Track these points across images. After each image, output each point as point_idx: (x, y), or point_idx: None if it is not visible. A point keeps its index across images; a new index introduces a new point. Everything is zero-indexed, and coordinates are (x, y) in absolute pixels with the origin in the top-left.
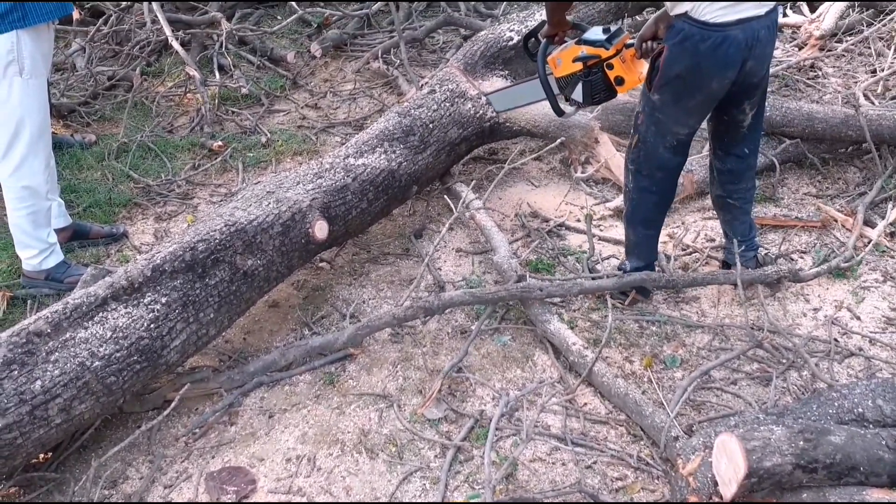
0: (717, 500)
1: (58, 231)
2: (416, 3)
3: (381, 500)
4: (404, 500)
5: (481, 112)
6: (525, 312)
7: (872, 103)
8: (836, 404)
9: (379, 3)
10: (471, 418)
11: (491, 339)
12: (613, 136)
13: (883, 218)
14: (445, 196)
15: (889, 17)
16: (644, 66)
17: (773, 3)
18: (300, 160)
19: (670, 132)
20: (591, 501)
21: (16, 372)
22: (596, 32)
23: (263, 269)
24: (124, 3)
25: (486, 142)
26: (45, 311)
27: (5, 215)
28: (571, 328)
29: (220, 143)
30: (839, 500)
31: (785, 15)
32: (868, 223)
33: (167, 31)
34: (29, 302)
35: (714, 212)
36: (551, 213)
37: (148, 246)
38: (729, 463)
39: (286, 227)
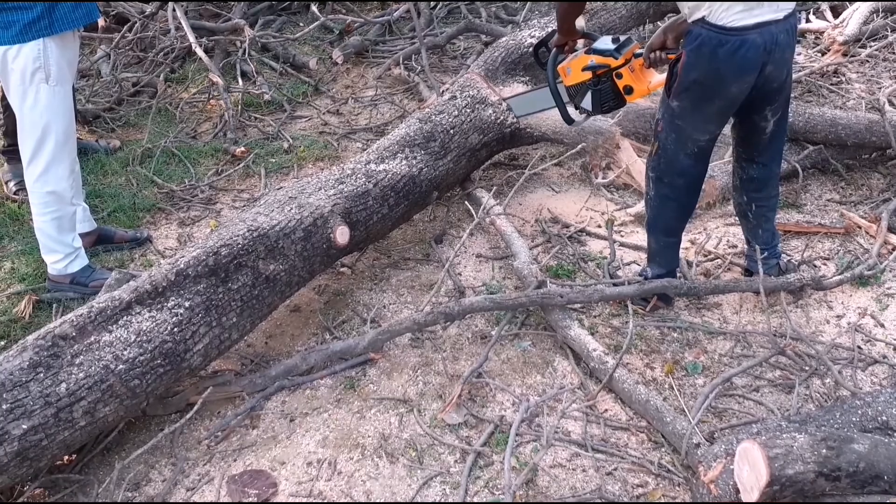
0: None
1: (83, 235)
2: (436, 10)
3: (400, 502)
4: (424, 502)
5: (502, 118)
6: (545, 318)
7: None
8: (859, 412)
9: (400, 10)
10: (491, 424)
11: (511, 344)
12: (634, 142)
13: None
14: (466, 202)
15: None
16: (653, 76)
17: (792, 7)
18: (322, 166)
19: (690, 139)
20: None
21: (41, 374)
22: (605, 42)
23: (285, 274)
24: (149, 10)
25: (506, 147)
26: (71, 315)
27: (31, 220)
28: (592, 334)
29: (242, 148)
30: None
31: (808, 20)
32: (892, 230)
33: (191, 37)
34: (54, 306)
35: (736, 218)
36: (572, 218)
37: (171, 251)
38: (751, 470)
39: (308, 232)
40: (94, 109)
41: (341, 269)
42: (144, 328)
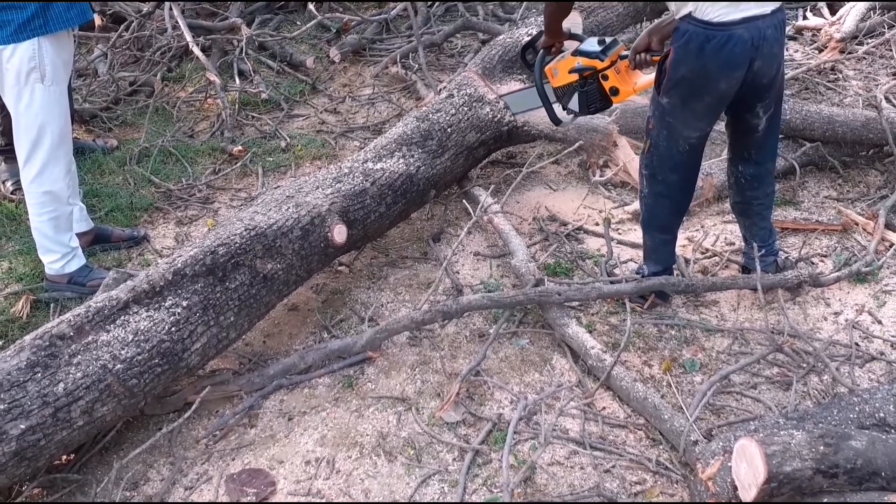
0: None
1: (80, 235)
2: (434, 8)
3: (399, 501)
4: (423, 502)
5: (499, 116)
6: (543, 316)
7: (894, 106)
8: (857, 409)
9: (397, 8)
10: (489, 422)
11: (509, 342)
12: (631, 140)
13: None
14: (464, 200)
15: None
16: (639, 77)
17: (778, 2)
18: (319, 164)
19: (681, 136)
20: None
21: (39, 374)
22: (591, 44)
23: (283, 273)
24: (146, 9)
25: (504, 145)
26: (68, 315)
27: (28, 219)
28: (590, 331)
29: (240, 147)
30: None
31: (805, 17)
32: (889, 227)
33: (188, 36)
34: (52, 305)
35: (733, 215)
36: (569, 216)
37: (169, 250)
38: (749, 467)
39: (305, 231)
40: (92, 109)
41: (339, 268)
42: (142, 328)
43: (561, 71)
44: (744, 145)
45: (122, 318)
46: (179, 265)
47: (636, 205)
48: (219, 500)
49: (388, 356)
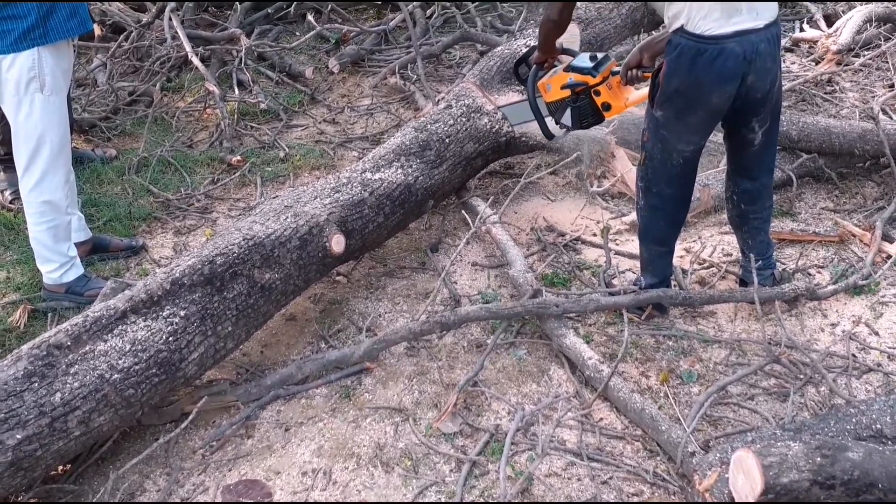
0: None
1: (78, 245)
2: (432, 19)
3: (396, 502)
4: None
5: (497, 127)
6: (541, 326)
7: (890, 118)
8: (854, 420)
9: (396, 20)
10: (486, 433)
11: (507, 353)
12: (629, 151)
13: None
14: (462, 210)
15: None
16: (630, 93)
17: (773, 16)
18: (318, 174)
19: (675, 149)
20: None
21: (36, 384)
22: (583, 59)
23: (281, 283)
24: (145, 19)
25: (502, 156)
26: (66, 324)
27: (26, 229)
28: (587, 342)
29: (238, 157)
30: None
31: (802, 30)
32: (886, 238)
33: (187, 47)
34: (49, 315)
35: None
36: (567, 227)
37: (167, 260)
38: (746, 479)
39: (304, 240)
40: (91, 118)
41: (337, 278)
42: (139, 337)
43: (553, 86)
44: (741, 160)
45: (120, 327)
46: (177, 275)
47: (633, 216)
48: (217, 501)
49: (385, 367)
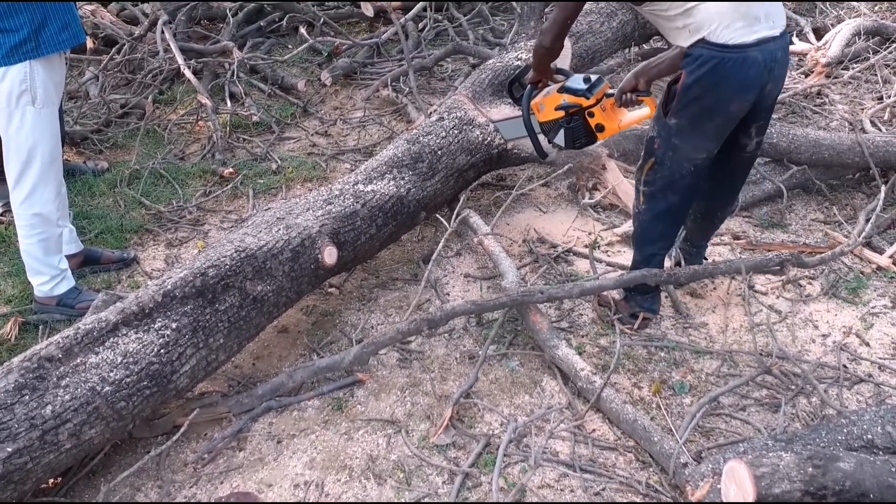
0: None
1: (69, 257)
2: (424, 32)
3: (395, 502)
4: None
5: (489, 139)
6: (533, 338)
7: (879, 130)
8: (845, 431)
9: (388, 32)
10: (479, 444)
11: (499, 364)
12: (620, 163)
13: (891, 244)
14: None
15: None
16: (624, 115)
17: (784, 24)
18: (310, 187)
19: (687, 157)
20: None
21: (27, 397)
22: (577, 81)
23: (273, 295)
24: (138, 32)
25: (494, 168)
26: (57, 337)
27: (17, 242)
28: (579, 354)
29: (231, 169)
30: None
31: (791, 42)
32: (876, 249)
33: (179, 59)
34: (40, 328)
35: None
36: (559, 238)
37: (159, 272)
38: (738, 490)
39: (296, 252)
40: (83, 131)
41: (329, 290)
42: (131, 350)
43: (547, 106)
44: (726, 165)
45: (111, 340)
46: (169, 287)
47: (625, 227)
48: (215, 501)
49: (377, 378)
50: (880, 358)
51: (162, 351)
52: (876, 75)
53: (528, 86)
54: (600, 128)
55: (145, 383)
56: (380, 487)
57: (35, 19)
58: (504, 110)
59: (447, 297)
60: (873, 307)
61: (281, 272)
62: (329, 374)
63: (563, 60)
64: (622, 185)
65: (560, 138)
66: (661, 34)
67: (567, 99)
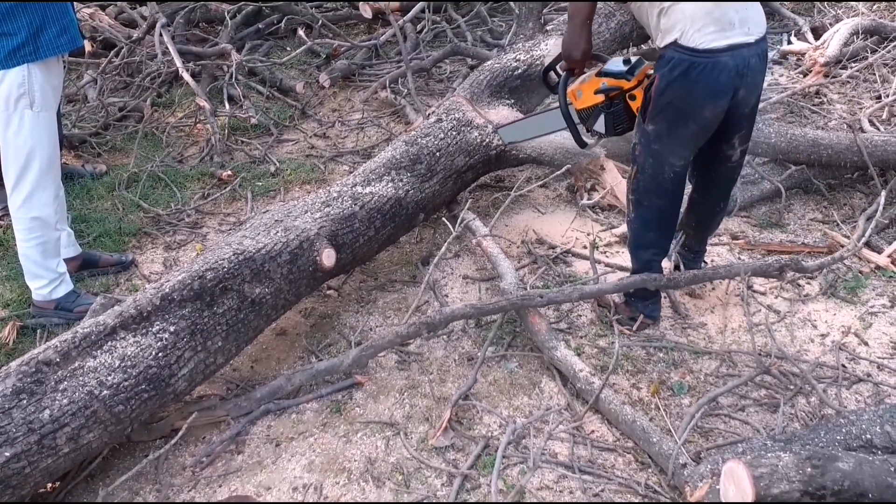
0: None
1: (67, 261)
2: (423, 34)
3: (396, 501)
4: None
5: (487, 140)
6: (532, 339)
7: (878, 129)
8: (844, 431)
9: (387, 34)
10: (478, 446)
11: (498, 365)
12: (619, 163)
13: (889, 244)
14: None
15: (893, 44)
16: None
17: (762, 31)
18: (308, 189)
19: (667, 163)
20: None
21: (25, 401)
22: (617, 63)
23: (271, 297)
24: (136, 35)
25: (492, 169)
26: (55, 341)
27: (15, 245)
28: (578, 355)
29: (229, 172)
30: None
31: (790, 42)
32: (874, 249)
33: (178, 62)
34: (38, 331)
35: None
36: (557, 239)
37: (157, 275)
38: (737, 490)
39: (294, 255)
40: (81, 134)
41: (328, 292)
42: (129, 353)
43: (585, 92)
44: (713, 175)
45: (110, 343)
46: (167, 290)
47: (623, 227)
48: (213, 501)
49: (376, 381)
50: (879, 357)
51: (160, 354)
52: (874, 74)
53: (564, 73)
54: None
55: (143, 387)
56: (378, 490)
57: (34, 22)
58: (503, 111)
59: (446, 299)
60: (872, 306)
61: (279, 275)
62: (328, 376)
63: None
64: (620, 185)
65: (600, 124)
66: None
67: (607, 82)
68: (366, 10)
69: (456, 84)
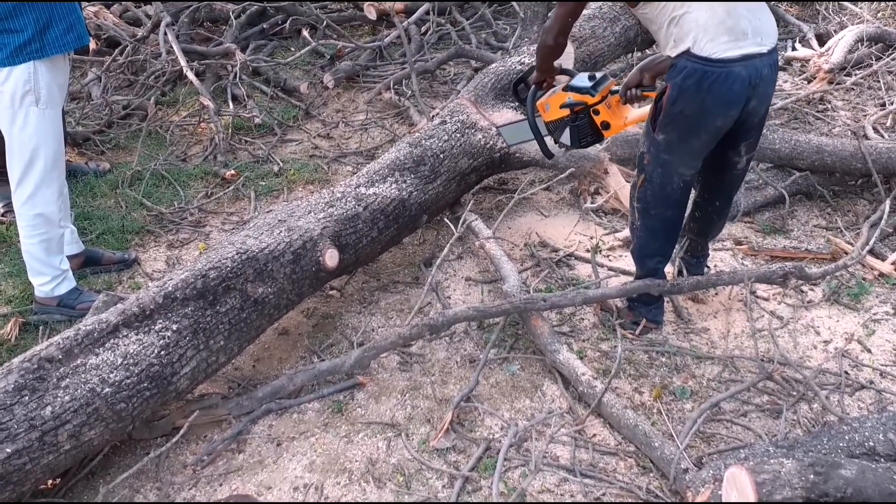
0: None
1: (70, 258)
2: (427, 36)
3: (395, 501)
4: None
5: (491, 143)
6: (534, 342)
7: (882, 136)
8: (846, 437)
9: (391, 36)
10: (479, 448)
11: (500, 368)
12: (622, 167)
13: (893, 251)
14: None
15: None
16: (629, 112)
17: (774, 42)
18: (312, 189)
19: (676, 172)
20: None
21: (27, 397)
22: (582, 79)
23: (274, 297)
24: (140, 33)
25: (496, 172)
26: (57, 338)
27: (18, 242)
28: (581, 358)
29: (232, 171)
30: None
31: (794, 49)
32: (878, 256)
33: (182, 61)
34: (41, 328)
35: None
36: (560, 242)
37: (160, 273)
38: (739, 496)
39: (297, 255)
40: (85, 132)
41: (330, 292)
42: (131, 351)
43: (552, 106)
44: (718, 182)
45: (112, 341)
46: (170, 289)
47: (627, 231)
48: (213, 500)
49: (378, 381)
50: (882, 364)
51: (162, 352)
52: (879, 82)
53: (533, 86)
54: (606, 125)
55: (145, 385)
56: (379, 491)
57: (40, 20)
58: (506, 114)
59: (448, 301)
60: (875, 314)
61: (282, 274)
62: (329, 377)
63: (567, 63)
64: (624, 189)
65: (566, 137)
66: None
67: (572, 97)
68: (370, 12)
69: (460, 86)
